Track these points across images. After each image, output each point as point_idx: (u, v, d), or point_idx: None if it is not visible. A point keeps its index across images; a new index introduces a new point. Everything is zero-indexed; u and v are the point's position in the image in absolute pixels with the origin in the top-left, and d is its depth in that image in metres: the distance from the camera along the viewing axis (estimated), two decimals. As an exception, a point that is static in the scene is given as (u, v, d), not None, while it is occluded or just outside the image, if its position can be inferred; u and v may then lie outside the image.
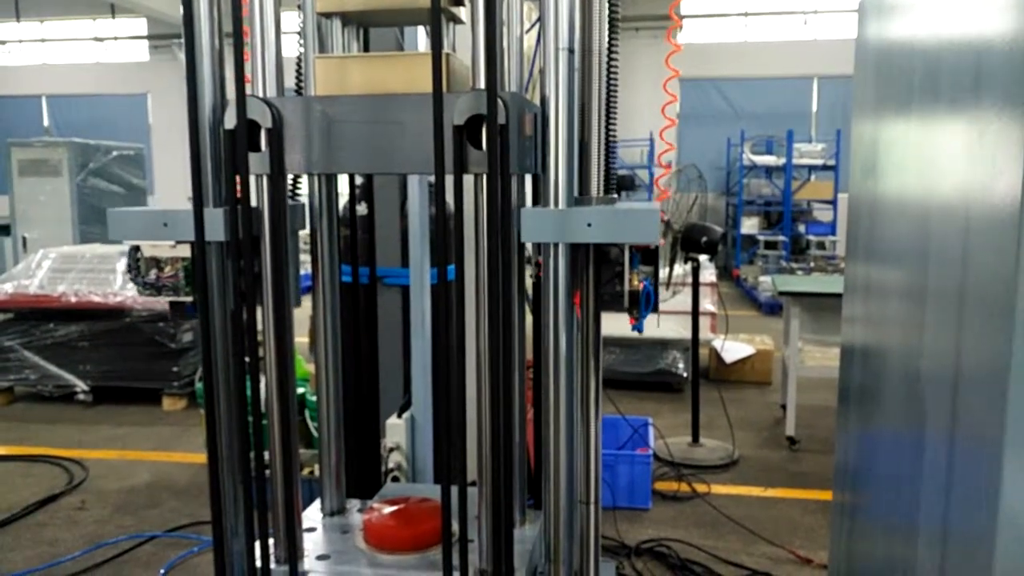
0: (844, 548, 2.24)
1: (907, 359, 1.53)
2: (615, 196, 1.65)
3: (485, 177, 1.44)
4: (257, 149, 1.50)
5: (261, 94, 1.54)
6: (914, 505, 1.41)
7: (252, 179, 1.54)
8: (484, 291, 1.48)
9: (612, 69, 1.60)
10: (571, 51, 1.44)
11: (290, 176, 1.68)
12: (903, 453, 1.54)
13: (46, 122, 16.56)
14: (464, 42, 1.83)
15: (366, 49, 1.85)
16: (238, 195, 1.52)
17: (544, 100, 1.46)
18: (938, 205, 1.34)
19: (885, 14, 1.93)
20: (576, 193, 1.57)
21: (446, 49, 1.46)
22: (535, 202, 1.84)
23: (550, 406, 1.55)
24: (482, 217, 1.46)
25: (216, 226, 1.54)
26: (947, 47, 1.33)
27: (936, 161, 1.37)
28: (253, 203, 1.56)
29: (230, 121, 1.47)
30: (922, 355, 1.41)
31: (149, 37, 15.92)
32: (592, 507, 1.64)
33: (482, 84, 1.42)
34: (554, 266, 1.51)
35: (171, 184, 15.48)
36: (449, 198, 1.43)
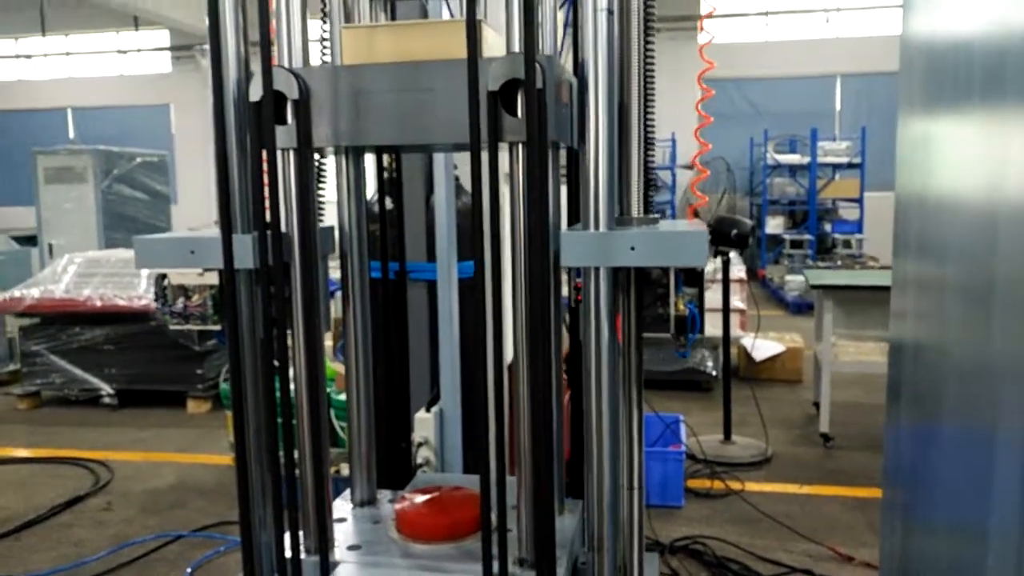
0: (898, 547, 2.15)
1: (974, 356, 1.46)
2: (657, 215, 1.57)
3: (520, 147, 1.38)
4: (283, 122, 1.45)
5: (287, 66, 1.49)
6: (983, 506, 1.34)
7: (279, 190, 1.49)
8: (522, 267, 1.41)
9: (649, 36, 1.53)
10: (610, 12, 1.37)
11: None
12: (970, 452, 1.47)
13: (71, 134, 16.74)
14: (493, 17, 1.78)
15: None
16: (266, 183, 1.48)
17: (582, 64, 1.39)
18: (1006, 203, 1.28)
19: (936, 7, 1.85)
20: (617, 172, 1.50)
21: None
22: (571, 219, 1.77)
23: (592, 437, 1.48)
24: (518, 192, 1.40)
25: (245, 253, 1.49)
26: (1012, 40, 1.26)
27: (1003, 158, 1.30)
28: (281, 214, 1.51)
29: (255, 93, 1.42)
30: (992, 353, 1.34)
31: (172, 49, 16.07)
32: (636, 493, 1.57)
33: (516, 48, 1.36)
34: (595, 290, 1.44)
35: (194, 194, 15.60)
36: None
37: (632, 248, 1.38)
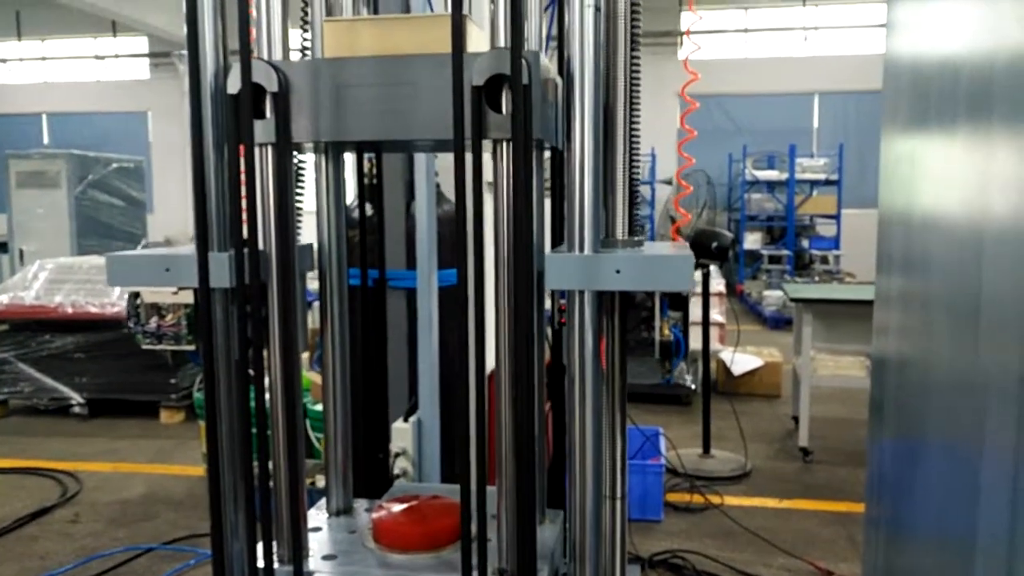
0: (881, 561, 2.13)
1: (958, 371, 1.45)
2: (640, 238, 1.55)
3: (505, 146, 1.35)
4: (262, 116, 1.41)
5: (266, 59, 1.45)
6: (971, 520, 1.32)
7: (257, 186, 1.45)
8: (505, 281, 1.38)
9: (635, 37, 1.51)
10: (597, 8, 1.35)
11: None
12: (955, 466, 1.45)
13: (46, 140, 16.52)
14: (476, 14, 1.75)
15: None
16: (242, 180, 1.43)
17: (567, 61, 1.36)
18: (991, 220, 1.27)
19: (919, 26, 1.86)
20: (602, 176, 1.47)
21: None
22: (555, 241, 1.75)
23: (576, 457, 1.46)
24: (501, 199, 1.37)
25: (221, 272, 1.44)
26: (997, 57, 1.25)
27: (988, 175, 1.30)
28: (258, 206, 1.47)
29: (234, 85, 1.38)
30: (977, 367, 1.33)
31: (150, 55, 15.93)
32: (618, 503, 1.54)
33: (502, 43, 1.33)
34: (580, 313, 1.41)
35: (170, 204, 15.43)
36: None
37: (617, 271, 1.36)
